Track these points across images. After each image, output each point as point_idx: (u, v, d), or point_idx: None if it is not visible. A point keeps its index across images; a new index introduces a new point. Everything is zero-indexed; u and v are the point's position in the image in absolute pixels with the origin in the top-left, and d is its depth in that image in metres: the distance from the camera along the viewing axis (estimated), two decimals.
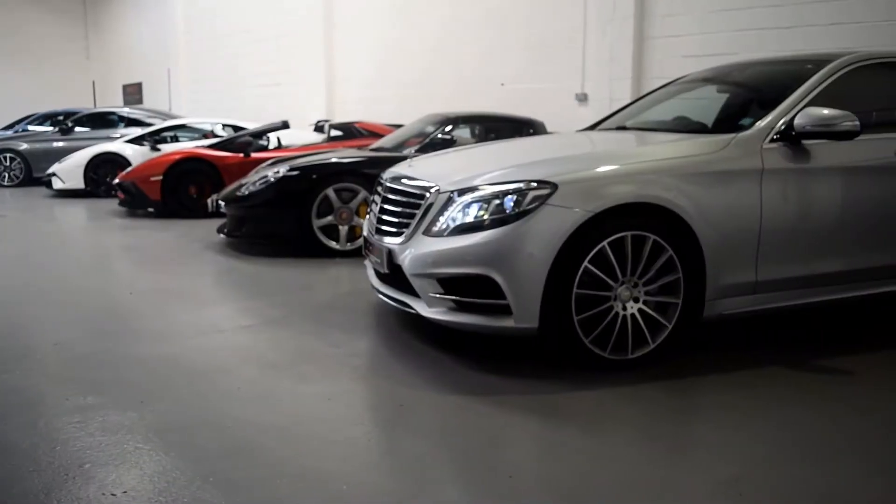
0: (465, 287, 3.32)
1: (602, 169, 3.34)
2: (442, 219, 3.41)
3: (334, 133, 9.42)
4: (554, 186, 3.22)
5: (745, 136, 3.59)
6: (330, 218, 6.01)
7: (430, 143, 6.37)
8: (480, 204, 3.32)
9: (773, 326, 4.06)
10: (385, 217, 3.86)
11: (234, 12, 15.99)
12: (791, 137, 3.61)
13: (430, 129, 6.72)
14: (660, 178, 3.35)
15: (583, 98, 9.02)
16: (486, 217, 3.29)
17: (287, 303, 4.60)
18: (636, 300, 3.35)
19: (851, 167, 3.75)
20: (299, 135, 10.34)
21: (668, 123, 4.65)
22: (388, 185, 3.96)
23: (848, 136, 3.55)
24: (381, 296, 3.89)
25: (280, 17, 14.42)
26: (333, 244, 6.04)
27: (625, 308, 3.33)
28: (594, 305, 3.29)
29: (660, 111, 4.90)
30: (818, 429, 2.81)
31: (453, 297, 3.36)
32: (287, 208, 6.06)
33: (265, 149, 9.23)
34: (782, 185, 3.56)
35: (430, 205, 3.49)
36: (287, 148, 9.05)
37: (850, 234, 3.77)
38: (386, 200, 3.91)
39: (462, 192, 3.40)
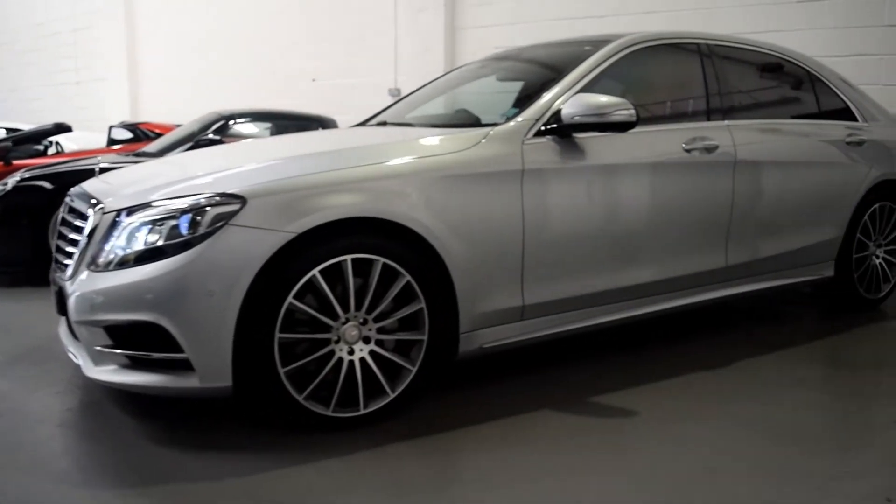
0: (137, 337, 2.48)
1: (313, 176, 2.58)
2: (107, 247, 2.56)
3: (123, 135, 8.29)
4: (242, 201, 2.44)
5: (503, 130, 2.95)
6: None
7: (196, 146, 5.46)
8: (151, 227, 2.49)
9: (544, 354, 3.46)
10: (61, 244, 2.97)
11: (20, 3, 14.26)
12: (560, 130, 3.00)
13: (199, 129, 5.80)
14: (390, 185, 2.64)
15: (396, 93, 8.34)
16: (159, 243, 2.46)
17: None
18: (367, 341, 2.63)
19: (633, 164, 3.20)
20: (91, 138, 9.12)
21: (445, 118, 4.00)
22: (69, 203, 3.07)
23: (623, 127, 2.97)
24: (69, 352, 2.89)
25: (76, 8, 12.94)
26: None
27: (352, 352, 2.60)
28: (309, 352, 2.54)
29: (441, 103, 4.23)
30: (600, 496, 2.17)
31: (125, 352, 2.52)
32: (17, 226, 5.00)
33: (41, 154, 7.96)
34: (549, 188, 2.95)
35: (94, 228, 2.63)
36: (60, 154, 7.84)
37: (635, 244, 3.22)
38: (64, 223, 3.02)
39: (131, 210, 2.57)
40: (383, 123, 3.87)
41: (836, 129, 4.14)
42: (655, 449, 2.50)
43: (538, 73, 3.67)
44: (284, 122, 6.34)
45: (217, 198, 2.45)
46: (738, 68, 3.86)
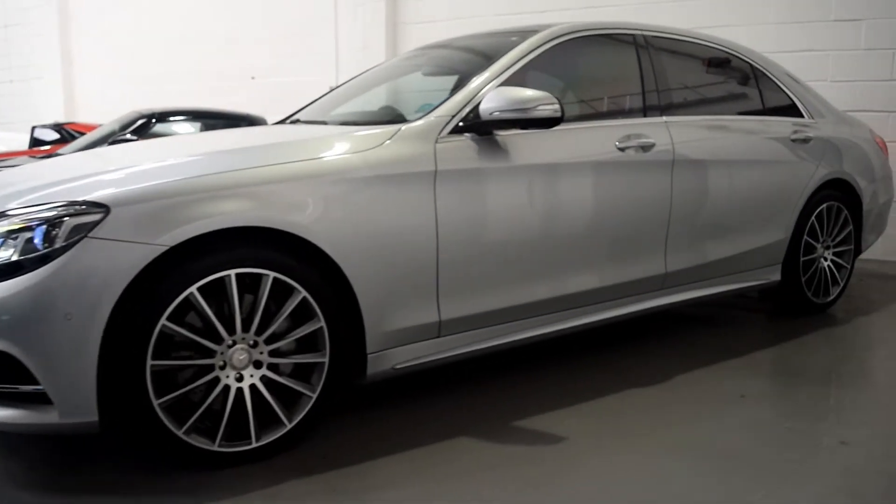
0: None
1: (190, 180, 2.27)
2: None
3: (48, 136, 7.84)
4: (105, 210, 2.12)
5: (413, 128, 2.68)
6: None
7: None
8: (5, 240, 2.16)
9: (464, 373, 3.19)
10: None
11: None
12: (480, 127, 2.73)
13: (117, 129, 5.44)
14: (280, 190, 2.35)
15: None
16: (13, 258, 2.14)
17: None
18: (258, 365, 2.33)
19: (560, 164, 2.94)
20: (19, 139, 8.64)
21: (366, 115, 3.70)
22: None
23: (547, 123, 2.72)
24: None
25: (7, 3, 12.37)
26: None
27: (241, 378, 2.30)
28: (191, 379, 2.24)
29: (368, 100, 3.93)
30: None
31: None
32: None
33: None
34: (466, 192, 2.68)
35: None
36: None
37: (564, 251, 2.97)
38: None
39: None
40: (296, 122, 3.56)
41: (781, 125, 3.94)
42: (580, 482, 2.24)
43: (467, 65, 3.39)
44: (211, 121, 6.00)
45: (76, 206, 2.13)
46: (677, 62, 3.64)
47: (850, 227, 4.27)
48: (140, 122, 5.52)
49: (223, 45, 9.20)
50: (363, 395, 2.84)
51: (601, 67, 3.48)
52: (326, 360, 2.41)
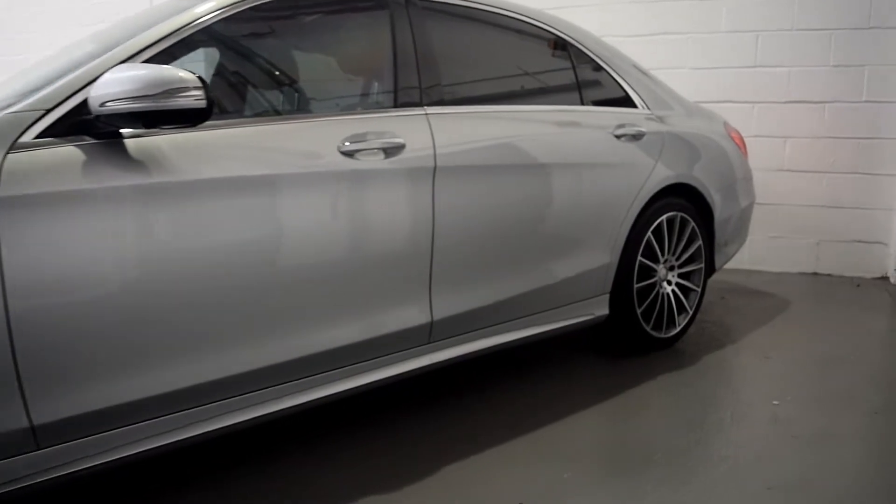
0: None
1: None
2: None
3: None
4: None
5: None
6: None
7: None
8: None
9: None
10: None
11: None
12: (90, 127, 1.74)
13: None
14: None
15: None
16: None
17: None
18: None
19: (241, 179, 1.98)
20: None
21: None
22: None
23: (191, 117, 1.74)
24: None
25: None
26: None
27: None
28: None
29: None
30: None
31: None
32: None
33: None
34: (60, 229, 1.69)
35: None
36: None
37: (260, 305, 2.04)
38: None
39: None
40: None
41: (601, 117, 3.10)
42: None
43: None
44: None
45: None
46: (454, 33, 2.74)
47: (700, 241, 3.46)
48: None
49: None
50: None
51: (324, 38, 2.53)
52: None
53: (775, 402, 2.78)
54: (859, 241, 4.95)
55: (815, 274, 5.06)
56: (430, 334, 2.44)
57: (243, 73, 2.34)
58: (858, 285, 4.76)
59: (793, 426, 2.56)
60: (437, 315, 2.43)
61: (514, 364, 3.22)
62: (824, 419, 2.62)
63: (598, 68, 3.21)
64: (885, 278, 4.88)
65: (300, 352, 2.11)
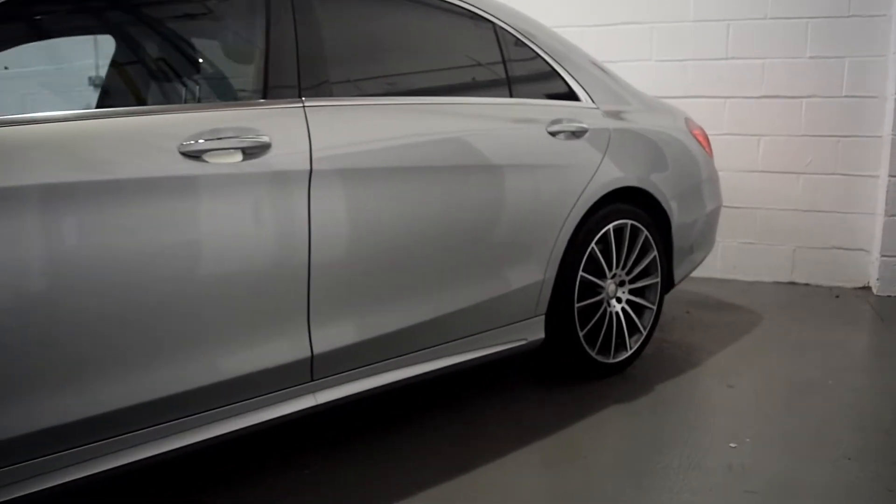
0: None
1: None
2: None
3: None
4: None
5: None
6: None
7: None
8: None
9: None
10: None
11: None
12: None
13: None
14: None
15: None
16: None
17: None
18: None
19: (32, 188, 1.54)
20: None
21: None
22: None
23: None
24: None
25: None
26: None
27: None
28: None
29: None
30: None
31: None
32: None
33: None
34: None
35: None
36: None
37: (94, 345, 1.60)
38: None
39: None
40: None
41: (533, 111, 2.68)
42: None
43: None
44: None
45: None
46: (346, 10, 2.31)
47: (654, 252, 3.06)
48: None
49: None
50: None
51: (168, 9, 2.10)
52: None
53: (732, 445, 2.37)
54: (839, 248, 4.55)
55: (792, 283, 4.66)
56: (311, 371, 2.01)
57: (68, 61, 1.91)
58: (838, 296, 4.36)
59: (749, 478, 2.15)
60: (319, 348, 2.01)
61: (448, 392, 2.80)
62: (785, 468, 2.22)
63: (534, 56, 2.80)
64: (866, 288, 4.48)
65: (127, 401, 1.68)
